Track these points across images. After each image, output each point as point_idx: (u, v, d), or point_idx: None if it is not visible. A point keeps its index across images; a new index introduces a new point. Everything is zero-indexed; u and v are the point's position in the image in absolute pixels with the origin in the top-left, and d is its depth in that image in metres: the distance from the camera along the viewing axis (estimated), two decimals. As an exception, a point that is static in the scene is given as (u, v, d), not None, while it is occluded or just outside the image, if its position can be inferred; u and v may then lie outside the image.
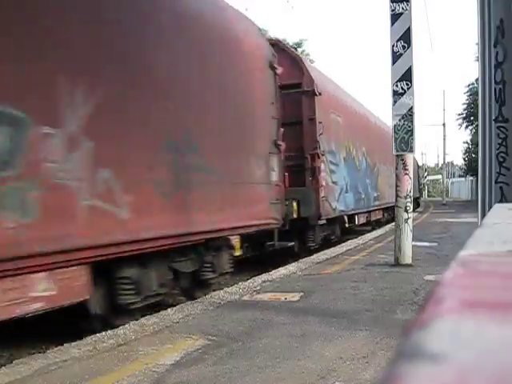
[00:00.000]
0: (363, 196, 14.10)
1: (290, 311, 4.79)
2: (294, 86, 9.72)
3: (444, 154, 42.16)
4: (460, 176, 69.89)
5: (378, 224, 16.83)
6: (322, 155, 10.08)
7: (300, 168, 9.74)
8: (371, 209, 15.28)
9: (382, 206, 16.63)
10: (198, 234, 5.77)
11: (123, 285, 4.85)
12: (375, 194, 15.82)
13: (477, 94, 12.01)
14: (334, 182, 11.13)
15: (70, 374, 3.30)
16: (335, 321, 4.37)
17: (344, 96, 13.25)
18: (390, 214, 16.70)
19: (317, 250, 9.99)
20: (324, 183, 10.19)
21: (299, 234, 9.91)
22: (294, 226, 9.15)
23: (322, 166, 10.12)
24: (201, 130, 5.97)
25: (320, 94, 10.03)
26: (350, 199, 12.54)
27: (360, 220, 13.92)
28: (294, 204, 9.24)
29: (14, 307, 3.65)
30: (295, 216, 9.24)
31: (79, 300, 4.27)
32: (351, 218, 12.81)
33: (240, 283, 6.63)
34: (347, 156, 12.49)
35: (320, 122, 9.99)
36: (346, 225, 12.41)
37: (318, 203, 9.84)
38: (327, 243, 11.01)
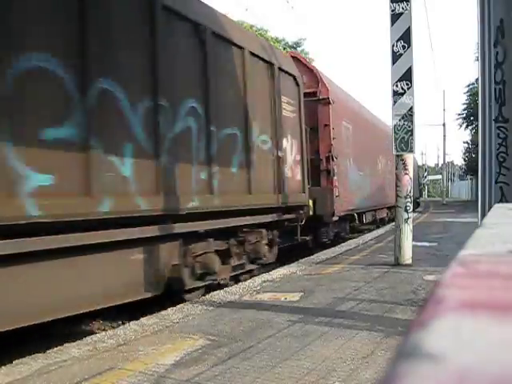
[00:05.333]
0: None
1: (290, 311, 4.78)
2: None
3: (444, 154, 42.13)
4: (460, 176, 69.84)
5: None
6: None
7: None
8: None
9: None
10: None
11: None
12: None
13: (477, 94, 12.03)
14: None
15: (70, 373, 3.30)
16: (335, 321, 4.37)
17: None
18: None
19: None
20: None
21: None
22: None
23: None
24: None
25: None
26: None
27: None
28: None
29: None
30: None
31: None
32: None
33: (240, 283, 6.63)
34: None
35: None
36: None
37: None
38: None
